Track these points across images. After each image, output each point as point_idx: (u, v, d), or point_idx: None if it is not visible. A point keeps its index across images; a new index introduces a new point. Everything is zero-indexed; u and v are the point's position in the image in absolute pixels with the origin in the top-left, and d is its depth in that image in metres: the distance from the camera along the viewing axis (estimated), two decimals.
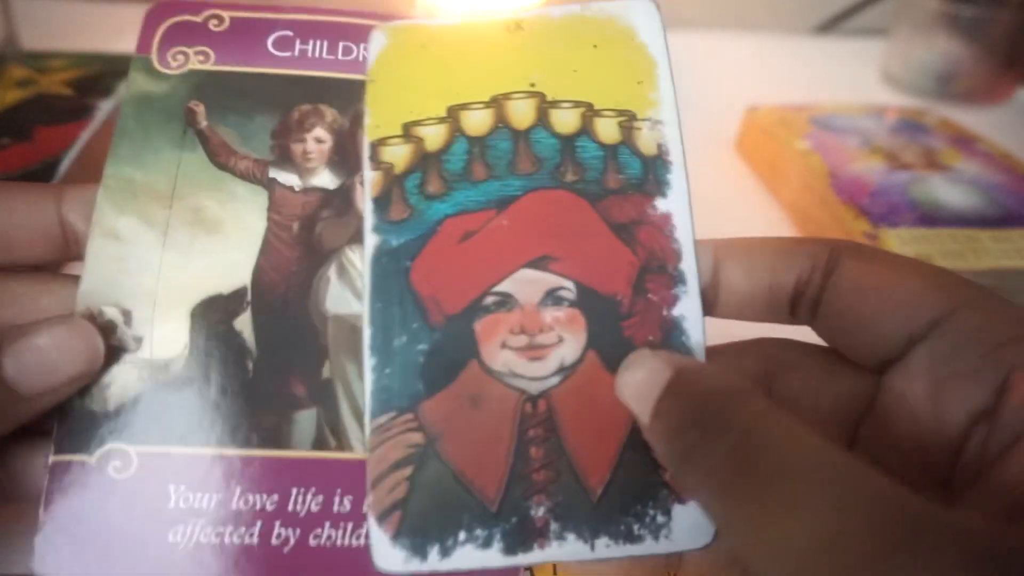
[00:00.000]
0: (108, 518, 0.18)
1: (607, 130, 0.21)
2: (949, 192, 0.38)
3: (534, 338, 0.19)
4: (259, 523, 0.18)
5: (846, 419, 0.19)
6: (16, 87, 0.39)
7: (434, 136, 0.20)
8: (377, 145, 0.20)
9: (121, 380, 0.19)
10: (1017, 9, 0.54)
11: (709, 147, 0.48)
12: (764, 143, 0.45)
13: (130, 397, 0.19)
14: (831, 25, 0.70)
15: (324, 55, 0.22)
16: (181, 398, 0.19)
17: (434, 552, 0.18)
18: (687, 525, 0.18)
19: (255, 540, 0.18)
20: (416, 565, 0.17)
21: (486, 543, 0.18)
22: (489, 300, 0.19)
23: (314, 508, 0.19)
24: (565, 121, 0.21)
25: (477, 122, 0.21)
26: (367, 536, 0.18)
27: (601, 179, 0.20)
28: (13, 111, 0.37)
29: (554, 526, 0.18)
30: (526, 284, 0.19)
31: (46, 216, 0.20)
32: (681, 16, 0.67)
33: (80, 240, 0.20)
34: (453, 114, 0.21)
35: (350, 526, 0.19)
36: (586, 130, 0.21)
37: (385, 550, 0.18)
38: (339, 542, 0.18)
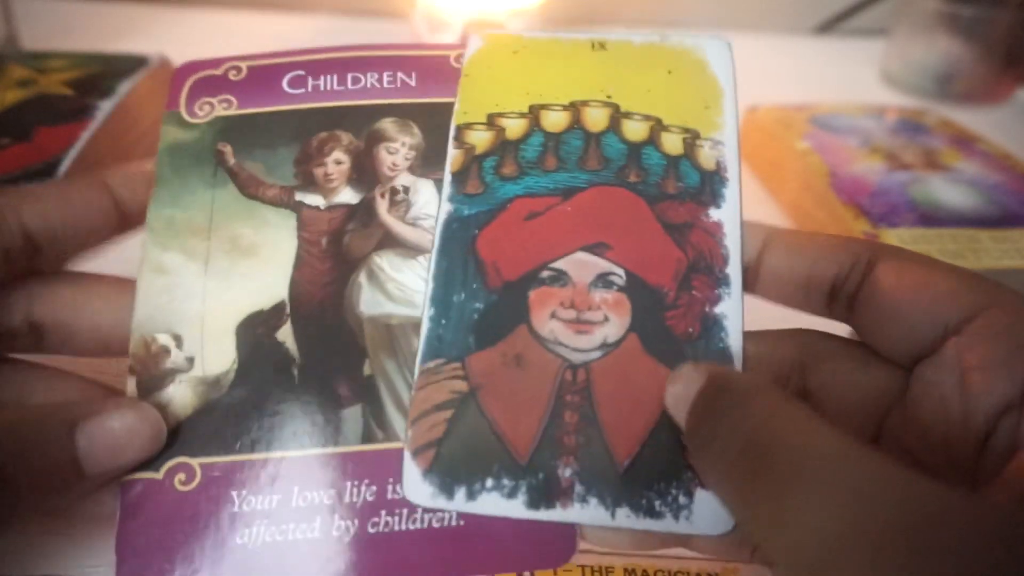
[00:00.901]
0: (178, 529, 0.19)
1: (671, 143, 0.23)
2: (949, 192, 0.38)
3: (582, 314, 0.20)
4: (318, 518, 0.19)
5: (874, 409, 0.19)
6: (16, 87, 0.39)
7: (514, 127, 0.23)
8: (462, 128, 0.23)
9: (179, 398, 0.20)
10: (1017, 9, 0.54)
11: None
12: (764, 143, 0.45)
13: (188, 414, 0.20)
14: (831, 25, 0.70)
15: (335, 87, 0.24)
16: (235, 409, 0.20)
17: (461, 493, 0.19)
18: (708, 510, 0.18)
19: (316, 534, 0.19)
20: (442, 502, 0.19)
21: (511, 493, 0.19)
22: (545, 274, 0.21)
23: (369, 498, 0.19)
24: (634, 130, 0.23)
25: (555, 121, 0.23)
26: (403, 473, 0.19)
27: (661, 184, 0.22)
28: (13, 111, 0.37)
29: (579, 488, 0.19)
30: (580, 265, 0.21)
31: (99, 197, 0.22)
32: (681, 16, 0.67)
33: (131, 212, 0.22)
34: (534, 111, 0.23)
35: (405, 511, 0.19)
36: (653, 140, 0.23)
37: (415, 483, 0.19)
38: (396, 527, 0.19)
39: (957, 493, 0.12)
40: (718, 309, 0.20)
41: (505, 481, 0.19)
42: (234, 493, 0.19)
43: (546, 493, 0.19)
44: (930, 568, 0.11)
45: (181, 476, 0.19)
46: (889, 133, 0.44)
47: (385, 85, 0.24)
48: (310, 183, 0.23)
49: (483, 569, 0.19)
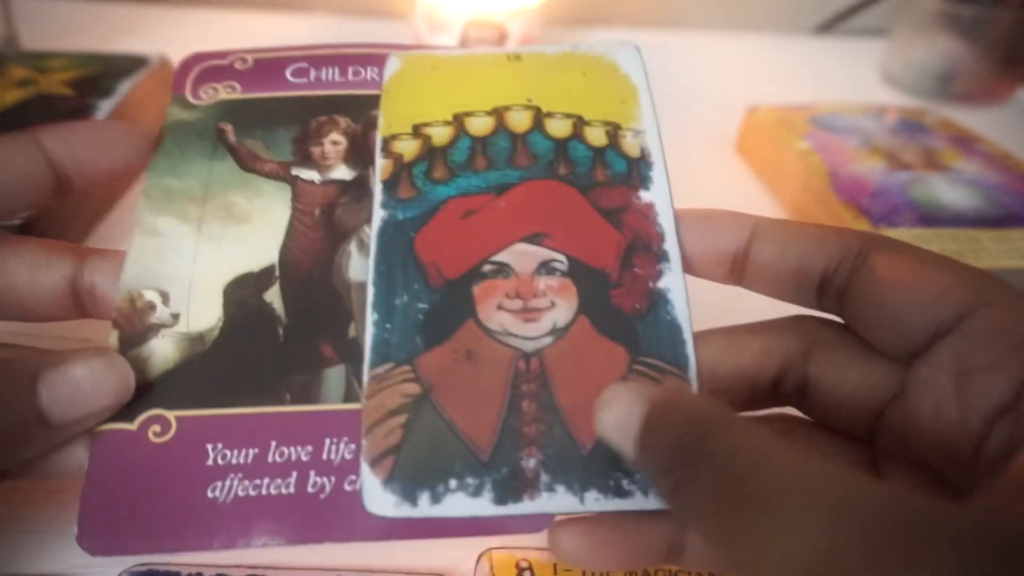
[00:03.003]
0: (149, 480, 0.19)
1: (595, 136, 0.23)
2: (949, 192, 0.38)
3: (528, 302, 0.20)
4: (295, 473, 0.19)
5: (870, 402, 0.19)
6: (16, 87, 0.39)
7: (441, 134, 0.23)
8: (389, 139, 0.23)
9: (160, 352, 0.20)
10: (1017, 9, 0.54)
11: (709, 147, 0.48)
12: (764, 143, 0.45)
13: (169, 367, 0.20)
14: (831, 25, 0.70)
15: (336, 78, 0.25)
16: (217, 364, 0.20)
17: (424, 498, 0.18)
18: None
19: (292, 489, 0.19)
20: (407, 510, 0.18)
21: (476, 492, 0.18)
22: (487, 268, 0.21)
23: (347, 456, 0.19)
24: (558, 128, 0.23)
25: (480, 126, 0.23)
26: (360, 480, 0.18)
27: (590, 173, 0.23)
28: (13, 111, 0.37)
29: (544, 478, 0.18)
30: (521, 256, 0.21)
31: (29, 158, 0.21)
32: (681, 16, 0.67)
33: (71, 175, 0.21)
34: (458, 119, 0.23)
35: None
36: (577, 135, 0.23)
37: (376, 494, 0.18)
38: None
39: (937, 505, 0.12)
40: (661, 284, 0.21)
41: (469, 480, 0.18)
42: (209, 446, 0.19)
43: (512, 487, 0.18)
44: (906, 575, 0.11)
45: (156, 428, 0.19)
46: (889, 133, 0.44)
47: (384, 78, 0.25)
48: (307, 160, 0.24)
49: (456, 532, 0.19)
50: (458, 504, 0.18)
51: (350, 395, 0.20)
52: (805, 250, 0.19)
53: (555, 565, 0.22)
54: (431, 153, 0.23)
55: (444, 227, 0.22)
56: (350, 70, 0.25)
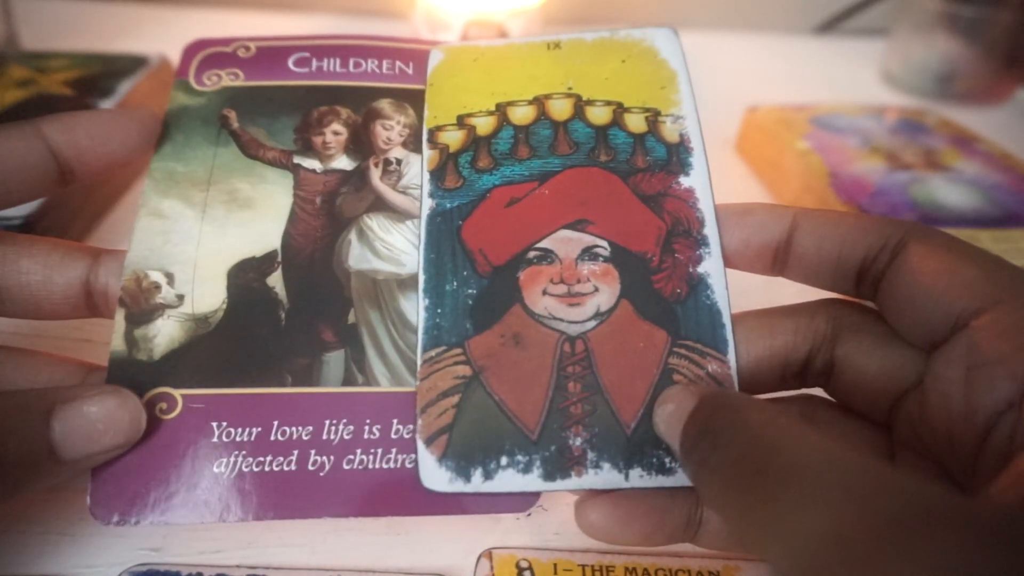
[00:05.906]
0: (156, 455, 0.19)
1: (635, 123, 0.24)
2: (949, 192, 0.38)
3: (572, 287, 0.21)
4: (296, 451, 0.20)
5: (888, 389, 0.19)
6: (16, 87, 0.39)
7: (484, 124, 0.24)
8: (434, 131, 0.24)
9: (166, 332, 0.21)
10: (1017, 9, 0.54)
11: (709, 147, 0.47)
12: (764, 143, 0.45)
13: (174, 347, 0.21)
14: (831, 25, 0.70)
15: (337, 69, 0.26)
16: (221, 346, 0.21)
17: (477, 474, 0.19)
18: None
19: (293, 466, 0.20)
20: (460, 485, 0.19)
21: (526, 468, 0.19)
22: (532, 254, 0.22)
23: (346, 436, 0.20)
24: (598, 115, 0.24)
25: (522, 115, 0.24)
26: (415, 458, 0.19)
27: (631, 160, 0.23)
28: (13, 111, 0.37)
29: (591, 455, 0.19)
30: (565, 242, 0.22)
31: (32, 148, 0.20)
32: (681, 16, 0.67)
33: (74, 164, 0.21)
34: (501, 109, 0.24)
35: (379, 451, 0.20)
36: (617, 122, 0.24)
37: (432, 471, 0.19)
38: (370, 466, 0.20)
39: (947, 496, 0.12)
40: (701, 268, 0.21)
41: (519, 457, 0.19)
42: (214, 424, 0.20)
43: (560, 464, 0.19)
44: (913, 564, 0.11)
45: (162, 405, 0.20)
46: (889, 133, 0.44)
47: (384, 71, 0.26)
48: (308, 149, 0.24)
49: (452, 510, 0.19)
50: (509, 480, 0.19)
51: (349, 379, 0.21)
52: (846, 240, 0.20)
53: (555, 565, 0.22)
54: (475, 143, 0.23)
55: (489, 215, 0.22)
56: (351, 61, 0.26)
